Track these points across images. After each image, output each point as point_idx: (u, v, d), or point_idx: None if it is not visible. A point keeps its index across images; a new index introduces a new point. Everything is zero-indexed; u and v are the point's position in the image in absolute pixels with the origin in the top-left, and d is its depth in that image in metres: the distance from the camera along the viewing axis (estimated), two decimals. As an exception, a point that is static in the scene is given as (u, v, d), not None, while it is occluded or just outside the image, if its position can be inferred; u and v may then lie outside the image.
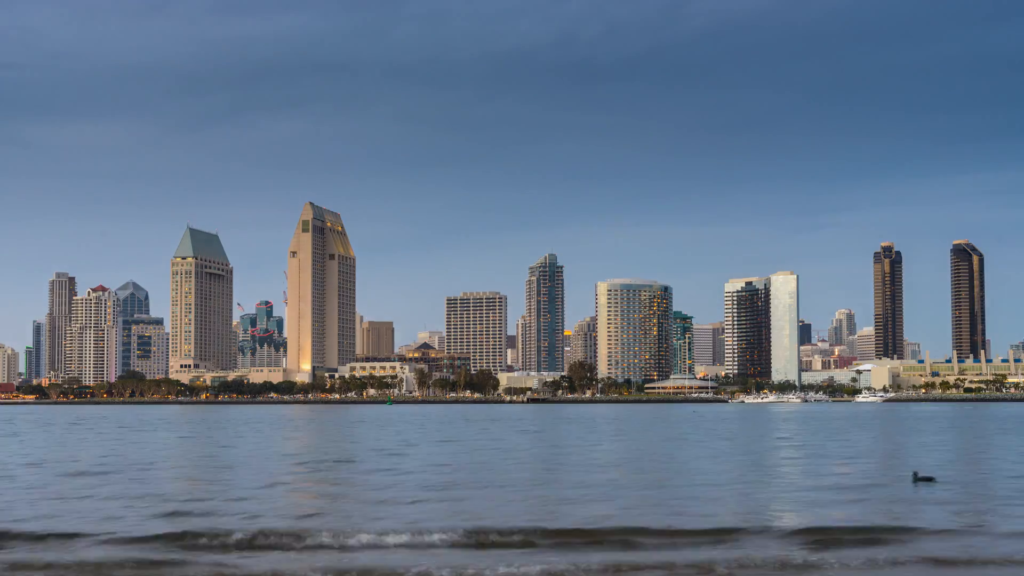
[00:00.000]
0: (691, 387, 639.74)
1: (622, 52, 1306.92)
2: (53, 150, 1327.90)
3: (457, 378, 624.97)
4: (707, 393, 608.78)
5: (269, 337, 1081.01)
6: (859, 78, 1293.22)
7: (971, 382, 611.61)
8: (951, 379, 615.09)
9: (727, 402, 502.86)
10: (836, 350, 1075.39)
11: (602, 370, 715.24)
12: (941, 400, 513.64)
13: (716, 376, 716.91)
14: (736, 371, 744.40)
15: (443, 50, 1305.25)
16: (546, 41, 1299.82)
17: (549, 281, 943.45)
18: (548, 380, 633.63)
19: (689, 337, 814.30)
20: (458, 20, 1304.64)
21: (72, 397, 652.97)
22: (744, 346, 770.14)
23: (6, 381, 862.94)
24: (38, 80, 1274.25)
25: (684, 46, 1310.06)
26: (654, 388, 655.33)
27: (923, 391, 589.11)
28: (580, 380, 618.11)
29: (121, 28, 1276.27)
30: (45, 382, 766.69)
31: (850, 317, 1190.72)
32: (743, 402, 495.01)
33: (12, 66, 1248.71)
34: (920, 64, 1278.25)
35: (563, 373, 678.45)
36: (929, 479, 58.87)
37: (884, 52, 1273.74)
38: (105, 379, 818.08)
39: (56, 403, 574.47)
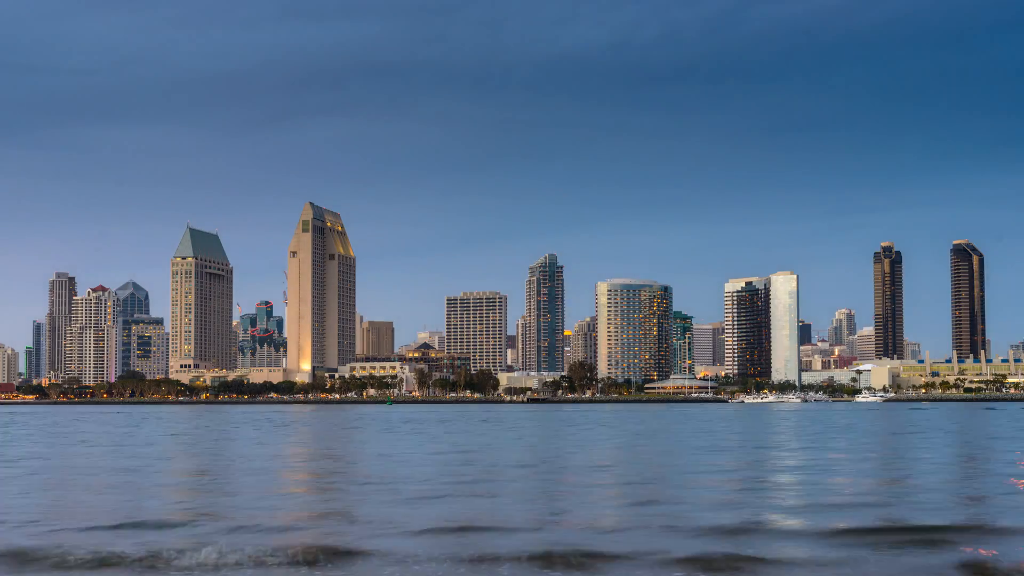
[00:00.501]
0: (691, 387, 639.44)
1: (660, 59, 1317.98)
2: (108, 152, 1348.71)
3: (457, 378, 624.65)
4: (707, 393, 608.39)
5: (269, 337, 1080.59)
6: (861, 82, 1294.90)
7: (971, 382, 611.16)
8: (951, 379, 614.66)
9: (727, 402, 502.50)
10: (836, 350, 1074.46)
11: (602, 370, 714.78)
12: (941, 400, 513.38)
13: (716, 376, 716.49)
14: (736, 371, 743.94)
15: (495, 54, 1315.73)
16: (598, 45, 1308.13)
17: (549, 281, 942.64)
18: (548, 380, 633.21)
19: (689, 337, 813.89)
20: (514, 24, 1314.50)
21: (72, 397, 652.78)
22: (744, 346, 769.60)
23: (6, 381, 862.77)
24: (103, 86, 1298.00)
25: (715, 54, 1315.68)
26: (654, 388, 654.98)
27: (923, 391, 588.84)
28: (580, 380, 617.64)
29: (188, 35, 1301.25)
30: (45, 382, 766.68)
31: (850, 317, 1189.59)
32: (743, 402, 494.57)
33: (83, 72, 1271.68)
34: (922, 68, 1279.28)
35: (563, 373, 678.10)
36: None
37: (887, 59, 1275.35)
38: (105, 379, 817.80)
39: (56, 403, 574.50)
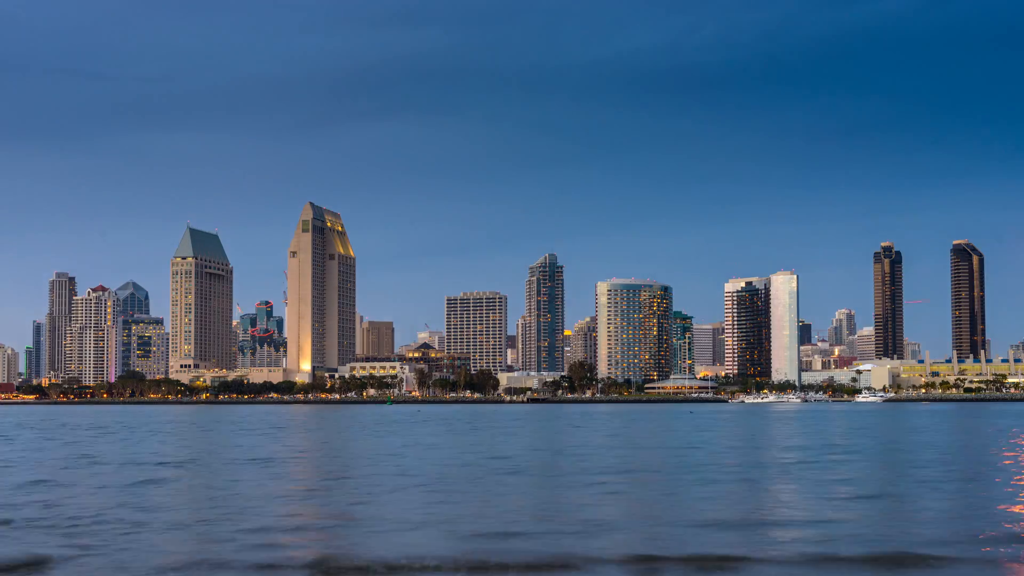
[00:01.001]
0: (691, 387, 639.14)
1: (665, 64, 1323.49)
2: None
3: (457, 378, 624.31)
4: (707, 393, 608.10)
5: (269, 337, 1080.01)
6: (862, 85, 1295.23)
7: (971, 382, 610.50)
8: (951, 379, 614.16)
9: (727, 402, 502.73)
10: (836, 350, 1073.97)
11: (602, 370, 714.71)
12: (941, 400, 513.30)
13: (716, 376, 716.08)
14: (736, 371, 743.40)
15: (547, 58, 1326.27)
16: (647, 49, 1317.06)
17: (549, 281, 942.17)
18: (548, 380, 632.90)
19: (689, 337, 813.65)
20: (570, 29, 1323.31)
21: (72, 397, 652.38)
22: (744, 346, 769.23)
23: (6, 381, 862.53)
24: (166, 93, 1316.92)
25: (717, 61, 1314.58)
26: (654, 388, 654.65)
27: (923, 391, 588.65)
28: (580, 380, 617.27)
29: (244, 41, 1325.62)
30: (45, 382, 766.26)
31: (850, 317, 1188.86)
32: (743, 402, 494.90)
33: (150, 79, 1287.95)
34: (924, 72, 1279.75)
35: (563, 373, 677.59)
36: None
37: (889, 63, 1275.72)
38: (105, 379, 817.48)
39: (57, 403, 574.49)
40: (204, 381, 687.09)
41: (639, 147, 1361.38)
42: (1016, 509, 43.49)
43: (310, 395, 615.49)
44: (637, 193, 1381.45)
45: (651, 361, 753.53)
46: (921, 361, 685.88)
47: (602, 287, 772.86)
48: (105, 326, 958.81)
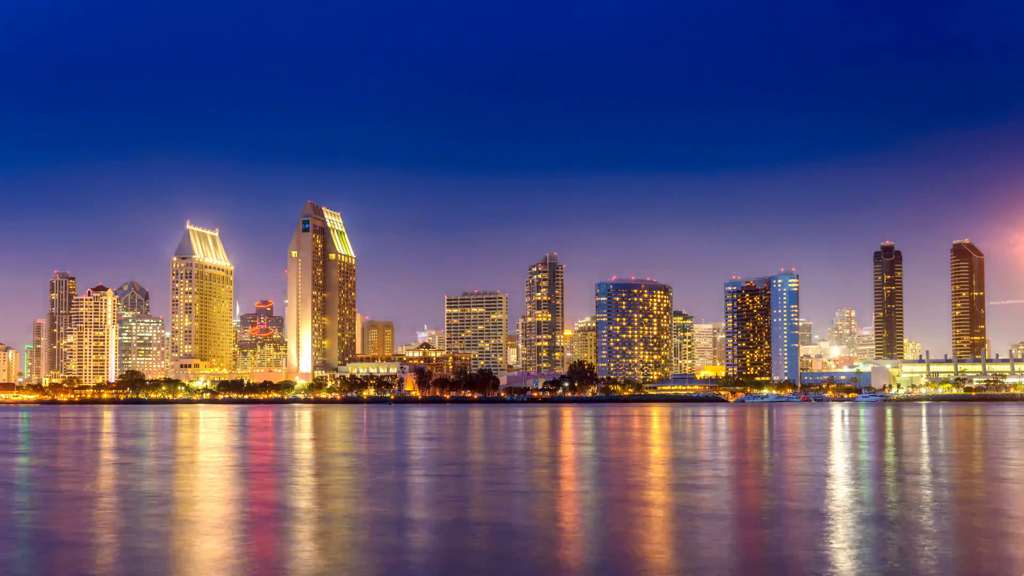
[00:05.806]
0: (691, 387, 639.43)
1: (662, 58, 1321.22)
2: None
3: (457, 378, 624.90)
4: (707, 393, 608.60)
5: (269, 337, 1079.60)
6: (861, 83, 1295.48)
7: (971, 382, 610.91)
8: (951, 379, 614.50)
9: (726, 402, 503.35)
10: (836, 350, 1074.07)
11: (602, 370, 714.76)
12: (940, 400, 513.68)
13: (716, 376, 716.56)
14: (736, 371, 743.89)
15: (473, 49, 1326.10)
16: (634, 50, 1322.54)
17: (549, 281, 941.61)
18: (548, 380, 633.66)
19: (689, 337, 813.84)
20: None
21: (72, 397, 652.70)
22: (744, 346, 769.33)
23: (6, 381, 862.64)
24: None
25: (703, 57, 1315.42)
26: (654, 388, 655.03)
27: (923, 391, 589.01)
28: (580, 380, 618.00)
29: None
30: (46, 382, 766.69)
31: (850, 317, 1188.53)
32: (743, 402, 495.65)
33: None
34: (918, 63, 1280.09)
35: (563, 373, 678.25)
36: None
37: (888, 61, 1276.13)
38: (105, 379, 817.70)
39: (58, 403, 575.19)
40: (204, 381, 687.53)
41: (640, 147, 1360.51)
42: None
43: (310, 395, 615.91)
44: (637, 193, 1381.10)
45: (651, 361, 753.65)
46: (921, 361, 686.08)
47: (602, 287, 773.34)
48: (105, 326, 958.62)
